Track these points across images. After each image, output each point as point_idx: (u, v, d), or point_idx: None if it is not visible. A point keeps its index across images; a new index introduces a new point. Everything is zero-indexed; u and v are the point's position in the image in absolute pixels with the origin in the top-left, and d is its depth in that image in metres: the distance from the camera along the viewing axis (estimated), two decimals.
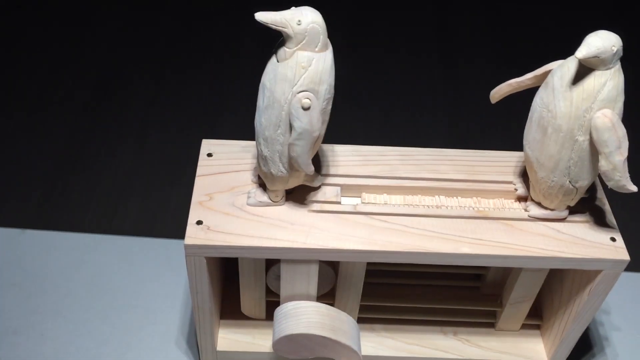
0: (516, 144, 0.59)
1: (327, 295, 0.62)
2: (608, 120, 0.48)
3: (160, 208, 0.84)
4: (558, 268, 0.55)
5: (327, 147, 0.62)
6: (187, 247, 0.53)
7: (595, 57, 0.47)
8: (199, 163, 0.60)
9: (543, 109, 0.51)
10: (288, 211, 0.56)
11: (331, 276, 0.60)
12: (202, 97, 1.00)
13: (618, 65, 0.49)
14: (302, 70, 0.48)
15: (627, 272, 0.79)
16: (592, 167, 0.51)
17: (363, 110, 1.00)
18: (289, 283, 0.58)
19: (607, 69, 0.48)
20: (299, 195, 0.57)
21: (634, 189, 0.51)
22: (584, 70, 0.49)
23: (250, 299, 0.64)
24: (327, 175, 0.59)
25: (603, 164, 0.50)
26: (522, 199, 0.58)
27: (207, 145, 0.62)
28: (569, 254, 0.54)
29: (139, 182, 0.87)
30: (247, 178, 0.59)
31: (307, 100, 0.48)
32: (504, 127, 0.98)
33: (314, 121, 0.49)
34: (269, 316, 0.64)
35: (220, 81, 1.03)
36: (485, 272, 0.65)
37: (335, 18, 1.15)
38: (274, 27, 0.47)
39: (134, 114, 0.97)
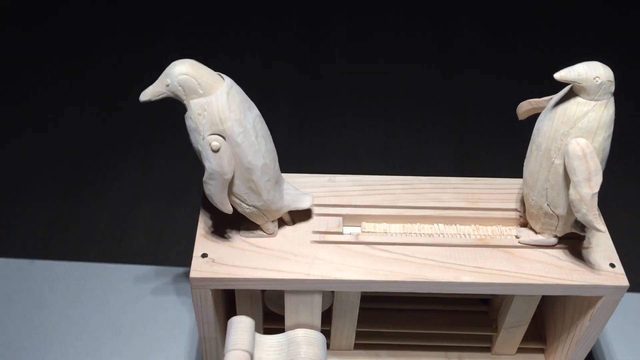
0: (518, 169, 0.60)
1: (323, 322, 0.63)
2: (579, 148, 0.49)
3: (165, 235, 0.85)
4: (559, 295, 0.56)
5: (330, 177, 0.63)
6: (192, 280, 0.54)
7: (574, 82, 0.48)
8: (203, 196, 0.61)
9: (536, 126, 0.53)
10: (291, 242, 0.57)
11: (328, 297, 0.61)
12: None
13: (607, 100, 0.49)
14: (200, 117, 0.50)
15: (634, 293, 0.79)
16: (567, 196, 0.52)
17: (363, 128, 1.02)
18: (293, 312, 0.59)
19: (591, 99, 0.49)
20: (301, 226, 0.58)
21: (601, 228, 0.51)
22: (571, 95, 0.50)
23: None
24: (329, 205, 0.60)
25: (571, 192, 0.50)
26: (523, 225, 0.59)
27: None
28: (569, 281, 0.55)
29: (142, 209, 0.88)
30: None
31: (216, 143, 0.50)
32: (507, 147, 0.99)
33: (224, 163, 0.50)
34: None
35: None
36: (493, 297, 0.65)
37: (335, 35, 1.18)
38: (157, 99, 0.50)
39: (137, 138, 0.98)
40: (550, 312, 0.65)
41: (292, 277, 0.54)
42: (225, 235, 0.57)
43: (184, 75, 0.49)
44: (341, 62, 1.12)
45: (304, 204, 0.57)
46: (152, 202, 0.89)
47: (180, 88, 0.49)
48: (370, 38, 1.19)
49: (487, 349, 0.67)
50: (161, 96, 0.50)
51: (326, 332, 0.62)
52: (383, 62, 1.15)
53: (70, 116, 1.02)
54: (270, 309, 0.63)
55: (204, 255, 0.56)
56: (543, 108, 0.54)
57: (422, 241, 0.58)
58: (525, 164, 0.55)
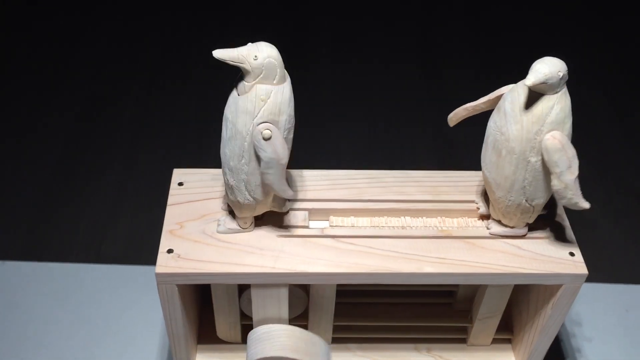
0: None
1: (300, 317, 0.64)
2: (557, 142, 0.50)
3: (144, 235, 0.85)
4: (519, 284, 0.57)
5: (296, 172, 0.63)
6: (158, 275, 0.54)
7: (544, 83, 0.49)
8: (170, 192, 0.61)
9: (497, 132, 0.53)
10: (257, 237, 0.58)
11: (303, 299, 0.62)
12: (187, 124, 1.02)
13: (564, 89, 0.51)
14: (261, 103, 0.50)
15: (599, 284, 0.81)
16: (546, 186, 0.53)
17: (345, 125, 1.02)
18: (260, 307, 0.59)
19: (554, 93, 0.50)
20: (268, 220, 0.59)
21: (586, 205, 0.52)
22: (533, 95, 0.51)
23: (225, 323, 0.65)
24: (296, 200, 0.61)
25: (555, 183, 0.51)
26: (484, 217, 0.60)
27: (178, 174, 0.63)
28: (529, 269, 0.56)
29: (122, 211, 0.89)
30: (217, 206, 0.60)
31: (268, 131, 0.50)
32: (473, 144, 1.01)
33: (279, 149, 0.51)
34: (246, 340, 0.65)
35: (205, 105, 1.05)
36: (456, 289, 0.67)
37: (320, 34, 1.18)
38: (231, 63, 0.49)
39: (118, 142, 0.99)
40: (516, 303, 0.66)
41: (258, 271, 0.55)
42: (192, 231, 0.58)
43: (273, 59, 0.49)
44: (325, 61, 1.13)
45: (284, 209, 0.58)
46: (133, 204, 0.90)
47: (262, 68, 0.49)
48: (353, 35, 1.20)
49: (463, 340, 0.68)
50: (236, 63, 0.49)
51: (303, 327, 0.63)
52: (366, 61, 1.16)
53: (51, 119, 1.02)
54: (246, 313, 0.63)
55: (170, 251, 0.56)
56: (481, 110, 0.56)
57: (387, 233, 0.58)
58: (489, 169, 0.55)
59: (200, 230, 0.58)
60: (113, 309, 0.76)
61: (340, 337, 0.67)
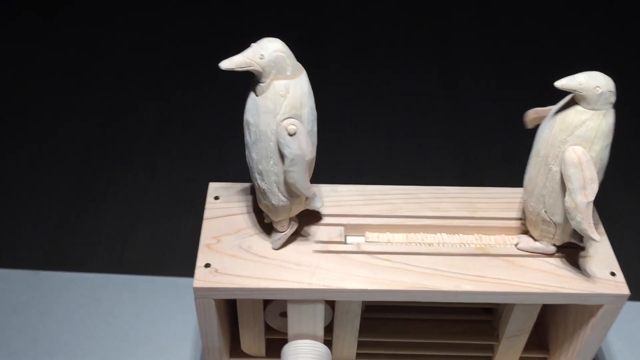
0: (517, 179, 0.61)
1: (325, 332, 0.63)
2: (576, 156, 0.49)
3: (168, 245, 0.86)
4: (559, 304, 0.56)
5: (329, 187, 0.63)
6: (196, 290, 0.54)
7: (575, 91, 0.49)
8: (206, 206, 0.61)
9: (537, 133, 0.53)
10: (293, 252, 0.58)
11: (327, 312, 0.61)
12: (209, 132, 1.03)
13: (607, 111, 0.50)
14: (281, 99, 0.49)
15: (636, 302, 0.80)
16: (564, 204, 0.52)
17: (365, 137, 1.02)
18: (296, 322, 0.59)
19: (591, 108, 0.49)
20: (304, 235, 0.59)
21: (596, 238, 0.50)
22: (571, 104, 0.50)
23: (250, 336, 0.65)
24: (331, 215, 0.61)
25: (566, 200, 0.50)
26: (524, 233, 0.60)
27: (214, 188, 0.63)
28: (569, 289, 0.55)
29: (144, 219, 0.89)
30: (254, 220, 0.60)
31: (293, 127, 0.50)
32: (507, 156, 1.00)
33: (303, 145, 0.50)
34: (269, 353, 0.65)
35: (226, 112, 1.05)
36: (496, 306, 0.66)
37: (335, 44, 1.19)
38: (241, 69, 0.49)
39: (140, 148, 0.99)
40: (552, 321, 0.66)
41: (295, 287, 0.55)
42: (228, 245, 0.58)
43: (280, 52, 0.49)
44: (342, 71, 1.13)
45: (317, 203, 0.57)
46: (155, 212, 0.90)
47: (272, 64, 0.49)
48: (371, 47, 1.20)
49: (489, 359, 0.67)
50: (247, 67, 0.49)
51: (328, 343, 0.63)
52: (384, 72, 1.16)
53: (73, 126, 1.03)
54: (271, 325, 0.63)
55: (207, 265, 0.56)
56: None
57: (424, 250, 0.58)
58: (527, 170, 0.55)
59: (236, 244, 0.58)
60: (145, 320, 0.76)
61: (364, 352, 0.67)
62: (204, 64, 1.15)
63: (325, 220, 0.60)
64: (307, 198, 0.55)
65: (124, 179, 0.95)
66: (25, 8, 1.26)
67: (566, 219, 0.53)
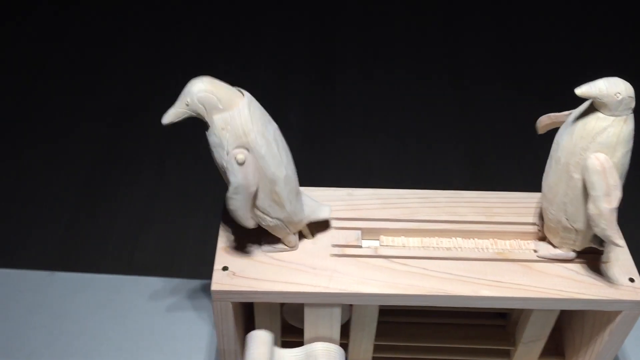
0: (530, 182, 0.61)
1: (341, 335, 0.63)
2: (599, 163, 0.49)
3: (179, 246, 0.86)
4: (577, 309, 0.56)
5: (346, 191, 0.63)
6: (214, 293, 0.55)
7: (596, 98, 0.48)
8: (224, 209, 0.61)
9: (555, 140, 0.53)
10: (310, 256, 0.58)
11: (345, 312, 0.61)
12: None
13: (628, 117, 0.49)
14: (223, 132, 0.50)
15: None
16: (587, 211, 0.52)
17: (375, 139, 1.02)
18: (312, 326, 0.59)
19: (611, 115, 0.49)
20: (321, 239, 0.59)
21: (621, 244, 0.50)
22: (591, 110, 0.50)
23: None
24: (348, 219, 0.60)
25: (590, 207, 0.50)
26: (541, 239, 0.59)
27: None
28: (587, 295, 0.55)
29: (155, 220, 0.89)
30: None
31: (241, 156, 0.50)
32: (518, 159, 0.99)
33: (249, 176, 0.51)
34: None
35: None
36: (510, 311, 0.65)
37: (347, 48, 1.19)
38: (179, 120, 0.50)
39: (150, 149, 1.00)
40: (569, 327, 0.65)
41: (312, 290, 0.55)
42: (246, 248, 0.58)
43: (203, 92, 0.50)
44: (353, 74, 1.13)
45: (323, 214, 0.58)
46: (166, 213, 0.90)
47: (201, 106, 0.50)
48: (382, 50, 1.20)
49: None
50: (183, 116, 0.50)
51: (344, 346, 0.63)
52: (395, 74, 1.15)
53: (84, 127, 1.03)
54: (289, 322, 0.63)
55: (225, 268, 0.56)
56: (562, 122, 0.54)
57: (441, 255, 0.58)
58: (544, 177, 0.55)
59: (254, 247, 0.58)
60: (159, 322, 0.76)
61: (380, 356, 0.66)
62: (214, 64, 1.15)
63: (341, 224, 0.60)
64: (299, 217, 0.55)
65: (135, 180, 0.95)
66: (37, 8, 1.26)
67: (588, 226, 0.53)
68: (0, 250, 0.84)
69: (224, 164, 0.51)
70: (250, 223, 0.54)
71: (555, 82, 1.12)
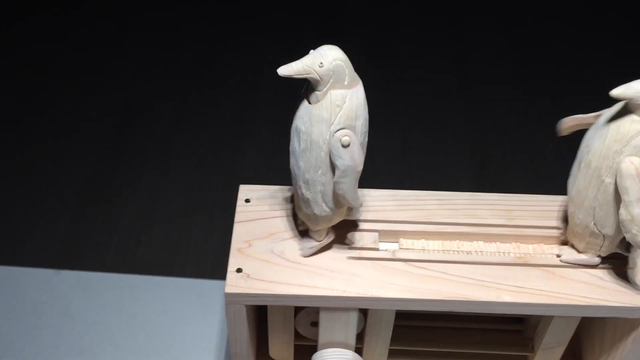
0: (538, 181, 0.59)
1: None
2: (633, 167, 0.48)
3: (185, 245, 0.85)
4: (601, 317, 0.54)
5: (364, 192, 0.62)
6: (227, 295, 0.53)
7: (632, 100, 0.47)
8: (237, 209, 0.60)
9: (585, 143, 0.51)
10: (327, 258, 0.56)
11: (360, 320, 0.60)
12: (224, 132, 1.02)
13: None
14: (337, 109, 0.48)
15: None
16: (617, 215, 0.51)
17: (380, 137, 1.01)
18: (328, 330, 0.57)
19: None
20: (337, 241, 0.57)
21: None
22: (625, 113, 0.48)
23: (279, 342, 0.63)
24: (364, 221, 0.59)
25: (622, 212, 0.49)
26: (564, 244, 0.58)
27: (245, 190, 0.62)
28: (612, 302, 0.53)
29: (158, 219, 0.88)
30: (286, 223, 0.59)
31: (347, 138, 0.48)
32: (524, 160, 0.98)
33: (356, 157, 0.49)
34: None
35: (241, 112, 1.04)
36: (528, 316, 0.64)
37: (353, 46, 1.17)
38: (298, 77, 0.47)
39: (153, 148, 0.99)
40: (588, 333, 0.64)
41: (329, 294, 0.53)
42: (260, 250, 0.56)
43: (340, 61, 0.47)
44: (358, 71, 1.12)
45: (357, 214, 0.57)
46: (168, 212, 0.89)
47: (331, 73, 0.47)
48: (388, 49, 1.19)
49: None
50: (304, 75, 0.47)
51: (357, 350, 0.61)
52: (399, 72, 1.14)
53: (88, 126, 1.02)
54: (302, 334, 0.62)
55: (239, 270, 0.55)
56: (588, 124, 0.53)
57: (461, 259, 0.56)
58: (570, 181, 0.53)
59: (268, 249, 0.57)
60: (166, 322, 0.75)
61: None
62: (219, 64, 1.13)
63: (358, 225, 0.59)
64: (348, 208, 0.54)
65: (138, 179, 0.94)
66: (41, 8, 1.25)
67: (617, 231, 0.52)
68: (4, 247, 0.83)
69: (321, 143, 0.49)
70: (359, 203, 0.52)
71: (561, 82, 1.10)
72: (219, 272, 0.81)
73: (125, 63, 1.14)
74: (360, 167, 0.50)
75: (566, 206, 0.56)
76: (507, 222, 0.59)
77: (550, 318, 0.59)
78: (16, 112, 1.03)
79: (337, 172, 0.49)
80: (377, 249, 0.57)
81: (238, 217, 0.59)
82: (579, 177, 0.51)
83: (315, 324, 0.59)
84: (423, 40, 1.21)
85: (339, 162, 0.49)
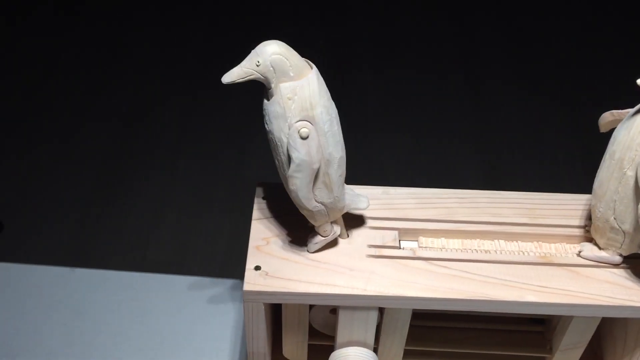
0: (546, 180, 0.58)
1: None
2: None
3: (191, 243, 0.85)
4: (628, 317, 0.53)
5: (381, 190, 0.61)
6: (246, 293, 0.52)
7: None
8: (255, 207, 0.59)
9: (613, 134, 0.50)
10: (346, 256, 0.55)
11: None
12: (231, 131, 1.01)
13: None
14: (289, 102, 0.47)
15: None
16: (636, 211, 0.50)
17: (389, 138, 1.00)
18: (347, 329, 0.57)
19: None
20: (357, 239, 0.56)
21: None
22: None
23: (293, 342, 0.62)
24: (385, 219, 0.58)
25: None
26: (588, 241, 0.57)
27: (262, 188, 0.61)
28: (638, 302, 0.52)
29: (167, 217, 0.88)
30: (303, 222, 0.58)
31: (306, 130, 0.47)
32: (533, 158, 0.97)
33: (313, 152, 0.47)
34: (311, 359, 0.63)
35: (247, 110, 1.04)
36: (549, 316, 0.63)
37: (361, 47, 1.16)
38: (242, 81, 0.47)
39: (162, 147, 0.99)
40: (609, 334, 0.63)
41: (349, 292, 0.53)
42: (278, 248, 0.56)
43: (277, 55, 0.46)
44: (367, 73, 1.11)
45: (362, 204, 0.55)
46: (178, 210, 0.89)
47: (271, 69, 0.46)
48: (395, 49, 1.18)
49: None
50: (248, 78, 0.47)
51: (373, 350, 0.60)
52: (409, 73, 1.13)
53: (95, 125, 1.02)
54: (316, 329, 0.61)
55: (257, 268, 0.54)
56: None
57: (483, 258, 0.55)
58: (598, 174, 0.52)
59: (287, 246, 0.56)
60: (181, 321, 0.74)
61: None
62: (225, 62, 1.13)
63: (378, 223, 0.58)
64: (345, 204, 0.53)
65: (147, 178, 0.93)
66: (44, 5, 1.25)
67: (637, 228, 0.50)
68: (19, 245, 0.83)
69: (283, 138, 0.48)
70: (312, 205, 0.50)
71: (567, 81, 1.09)
72: (231, 271, 0.80)
73: (132, 62, 1.14)
74: (316, 165, 0.48)
75: (590, 204, 0.55)
76: (530, 221, 0.58)
77: (569, 318, 0.58)
78: (27, 112, 1.03)
79: (291, 166, 0.48)
80: (397, 247, 0.56)
81: (255, 214, 0.59)
82: (603, 167, 0.51)
83: (333, 311, 0.58)
84: (431, 40, 1.21)
85: (294, 155, 0.47)
